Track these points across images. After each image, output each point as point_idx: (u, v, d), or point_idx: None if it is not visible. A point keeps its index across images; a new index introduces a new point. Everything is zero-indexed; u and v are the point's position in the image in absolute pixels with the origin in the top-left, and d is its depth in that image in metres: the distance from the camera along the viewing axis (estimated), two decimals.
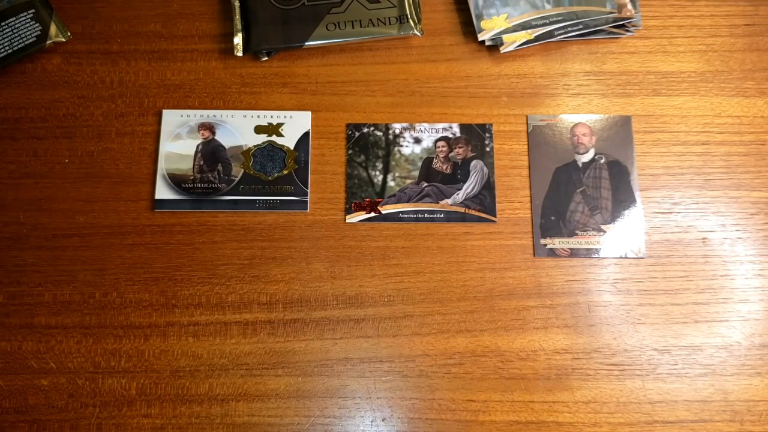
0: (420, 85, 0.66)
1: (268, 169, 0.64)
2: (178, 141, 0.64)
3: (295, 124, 0.65)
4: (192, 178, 0.63)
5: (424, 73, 0.67)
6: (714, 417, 0.58)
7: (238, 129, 0.65)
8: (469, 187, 0.63)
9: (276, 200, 0.63)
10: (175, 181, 0.63)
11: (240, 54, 0.66)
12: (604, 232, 0.62)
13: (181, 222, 0.62)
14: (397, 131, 0.65)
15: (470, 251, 0.62)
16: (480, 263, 0.61)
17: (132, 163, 0.64)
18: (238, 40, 0.66)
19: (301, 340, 0.60)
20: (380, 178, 0.64)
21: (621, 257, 0.62)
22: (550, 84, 0.66)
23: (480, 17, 0.67)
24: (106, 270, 0.61)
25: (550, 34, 0.66)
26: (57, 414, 0.58)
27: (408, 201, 0.63)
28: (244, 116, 0.65)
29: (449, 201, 0.63)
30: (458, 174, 0.64)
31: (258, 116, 0.65)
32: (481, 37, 0.66)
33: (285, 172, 0.64)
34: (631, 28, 0.67)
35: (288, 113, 0.65)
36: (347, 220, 0.63)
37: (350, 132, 0.65)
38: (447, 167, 0.64)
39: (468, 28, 0.68)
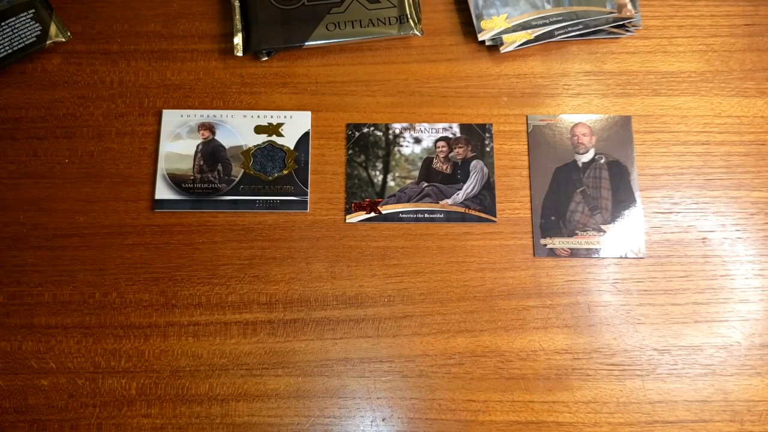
0: (420, 85, 0.66)
1: (268, 169, 0.64)
2: (178, 141, 0.64)
3: (295, 124, 0.65)
4: (192, 178, 0.63)
5: (424, 73, 0.67)
6: (714, 417, 0.58)
7: (238, 129, 0.65)
8: (469, 187, 0.63)
9: (276, 200, 0.63)
10: (175, 181, 0.63)
11: (240, 54, 0.66)
12: (604, 232, 0.62)
13: (181, 222, 0.62)
14: (397, 131, 0.65)
15: (470, 251, 0.62)
16: (480, 263, 0.61)
17: (132, 163, 0.64)
18: (238, 40, 0.66)
19: (301, 340, 0.60)
20: (380, 178, 0.64)
21: (621, 257, 0.62)
22: (550, 84, 0.66)
23: (480, 17, 0.67)
24: (106, 270, 0.61)
25: (550, 34, 0.66)
26: (57, 414, 0.58)
27: (408, 201, 0.63)
28: (244, 116, 0.65)
29: (449, 201, 0.63)
30: (458, 174, 0.64)
31: (258, 116, 0.65)
32: (481, 37, 0.66)
33: (285, 172, 0.64)
34: (631, 28, 0.67)
35: (288, 113, 0.65)
36: (347, 220, 0.63)
37: (350, 132, 0.65)
38: (447, 167, 0.64)
39: (468, 28, 0.68)
